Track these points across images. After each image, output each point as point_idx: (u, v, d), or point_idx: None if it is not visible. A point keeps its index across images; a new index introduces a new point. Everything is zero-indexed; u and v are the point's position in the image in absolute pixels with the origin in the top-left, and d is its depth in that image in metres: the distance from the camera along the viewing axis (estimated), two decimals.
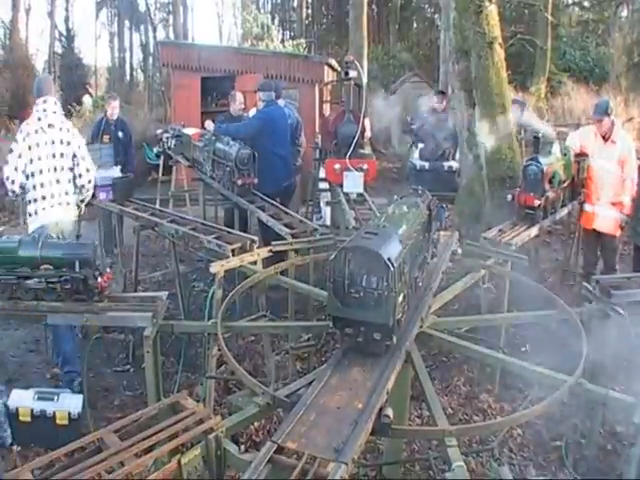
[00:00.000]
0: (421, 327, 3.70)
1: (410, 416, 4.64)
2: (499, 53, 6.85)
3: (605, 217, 6.59)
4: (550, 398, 3.07)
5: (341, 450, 2.50)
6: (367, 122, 8.20)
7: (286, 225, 6.07)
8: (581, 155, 6.76)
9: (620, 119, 6.55)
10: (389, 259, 3.02)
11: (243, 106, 8.88)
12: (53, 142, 5.62)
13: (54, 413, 4.64)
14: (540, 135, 6.36)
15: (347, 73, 7.76)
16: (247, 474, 2.42)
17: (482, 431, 4.22)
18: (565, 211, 6.68)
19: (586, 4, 29.77)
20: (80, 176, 5.80)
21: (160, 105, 25.45)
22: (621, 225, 6.61)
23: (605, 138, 6.58)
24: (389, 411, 2.78)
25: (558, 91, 21.03)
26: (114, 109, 9.98)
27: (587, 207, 6.74)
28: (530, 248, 6.18)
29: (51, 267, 4.42)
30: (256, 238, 5.45)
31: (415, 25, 35.48)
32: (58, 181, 5.67)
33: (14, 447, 4.68)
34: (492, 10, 6.84)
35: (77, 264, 4.37)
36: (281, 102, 8.73)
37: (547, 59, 21.39)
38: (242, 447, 4.38)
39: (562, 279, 7.17)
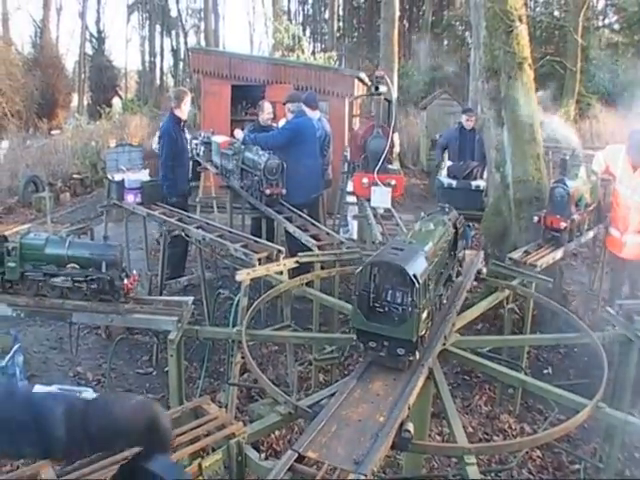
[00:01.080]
0: (444, 344, 3.69)
1: (430, 433, 4.63)
2: (529, 74, 6.82)
3: (633, 244, 6.53)
4: (569, 421, 3.07)
5: (361, 462, 2.51)
6: (396, 137, 8.20)
7: (313, 237, 6.07)
8: (607, 174, 6.70)
9: None
10: (414, 275, 3.02)
11: (272, 116, 8.89)
12: None
13: None
14: (567, 156, 6.33)
15: (377, 88, 7.74)
16: None
17: (501, 450, 4.22)
18: (591, 234, 6.64)
19: (616, 27, 29.58)
20: None
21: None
22: None
23: (634, 167, 6.50)
24: (410, 426, 2.78)
25: (586, 114, 20.91)
26: (187, 107, 8.18)
27: (614, 232, 6.68)
28: (555, 270, 6.15)
29: (77, 266, 4.49)
30: (283, 248, 5.47)
31: (446, 42, 35.48)
32: None
33: None
34: (522, 30, 6.82)
35: (104, 265, 4.43)
36: (317, 114, 8.76)
37: (576, 81, 21.26)
38: (263, 455, 4.37)
39: (586, 303, 7.12)
